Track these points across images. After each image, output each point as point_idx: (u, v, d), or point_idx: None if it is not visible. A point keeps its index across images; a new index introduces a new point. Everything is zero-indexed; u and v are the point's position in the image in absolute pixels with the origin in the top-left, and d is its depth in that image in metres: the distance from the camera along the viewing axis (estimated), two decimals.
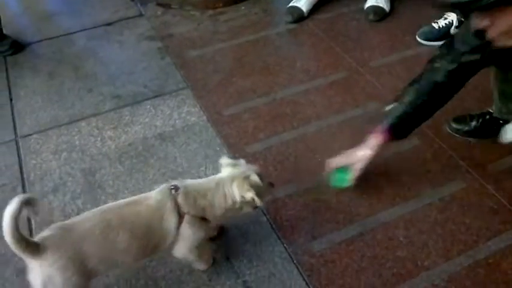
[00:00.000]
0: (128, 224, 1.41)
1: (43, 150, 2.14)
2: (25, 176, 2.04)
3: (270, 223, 1.80)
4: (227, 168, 1.57)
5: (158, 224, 1.43)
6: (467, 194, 1.88)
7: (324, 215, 1.83)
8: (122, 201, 1.50)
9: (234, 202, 1.50)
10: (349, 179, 1.80)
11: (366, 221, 1.81)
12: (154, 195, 1.47)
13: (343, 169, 1.82)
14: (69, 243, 1.34)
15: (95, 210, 1.46)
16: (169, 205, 1.43)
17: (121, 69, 2.61)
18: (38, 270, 1.32)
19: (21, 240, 1.25)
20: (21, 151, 2.15)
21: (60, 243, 1.33)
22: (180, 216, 1.44)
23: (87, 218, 1.42)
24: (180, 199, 1.45)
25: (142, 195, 1.50)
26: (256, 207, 1.56)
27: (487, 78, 2.33)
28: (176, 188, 1.46)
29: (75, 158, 2.10)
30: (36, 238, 1.33)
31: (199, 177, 1.96)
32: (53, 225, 1.39)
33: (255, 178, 1.51)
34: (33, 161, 2.10)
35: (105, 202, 1.89)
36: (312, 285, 1.61)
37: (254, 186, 1.49)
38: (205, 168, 2.02)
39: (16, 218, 1.23)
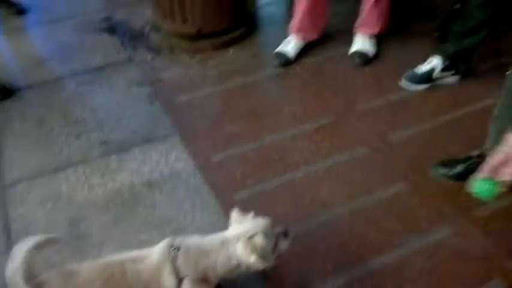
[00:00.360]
0: (128, 282, 1.40)
1: (29, 199, 2.13)
2: (10, 225, 2.02)
3: (257, 272, 1.78)
4: (235, 224, 1.55)
5: (156, 285, 1.42)
6: (455, 240, 1.88)
7: (312, 263, 1.83)
8: (124, 255, 1.49)
9: (240, 263, 1.47)
10: (497, 189, 1.58)
11: (354, 269, 1.80)
12: (155, 254, 1.46)
13: (489, 179, 1.59)
14: None
15: (98, 261, 1.47)
16: (168, 267, 1.42)
17: (110, 114, 2.62)
18: None
19: (30, 279, 1.29)
20: (7, 200, 2.13)
21: None
22: (180, 279, 1.42)
23: (90, 269, 1.42)
24: (179, 261, 1.43)
25: (145, 251, 1.49)
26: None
27: (472, 123, 2.38)
28: (177, 248, 1.45)
29: (61, 207, 2.09)
30: (39, 279, 1.34)
31: (186, 226, 1.97)
32: (57, 270, 1.41)
33: (258, 240, 1.46)
34: (19, 210, 2.08)
35: (91, 253, 1.88)
36: None
37: (258, 248, 1.45)
38: (192, 216, 2.01)
39: (30, 258, 1.29)
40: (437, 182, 2.12)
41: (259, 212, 1.99)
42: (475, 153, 2.10)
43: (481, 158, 2.07)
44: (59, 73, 2.99)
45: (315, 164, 2.25)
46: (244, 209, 1.98)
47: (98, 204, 2.09)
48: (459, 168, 2.10)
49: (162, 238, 1.87)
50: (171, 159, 2.30)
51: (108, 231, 1.97)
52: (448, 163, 2.14)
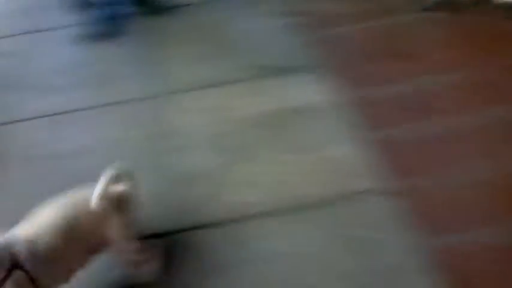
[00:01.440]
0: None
1: (180, 109, 2.32)
2: (158, 129, 2.22)
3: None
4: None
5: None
6: None
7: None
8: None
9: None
10: None
11: None
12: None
13: None
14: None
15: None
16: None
17: (257, 42, 2.71)
18: None
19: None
20: (164, 106, 2.34)
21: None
22: None
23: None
24: None
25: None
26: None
27: None
28: None
29: (207, 121, 2.25)
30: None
31: (323, 156, 2.01)
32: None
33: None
34: (170, 117, 2.28)
35: (231, 165, 2.02)
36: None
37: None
38: (330, 148, 2.04)
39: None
40: None
41: (400, 155, 1.95)
42: None
43: None
44: None
45: (463, 117, 2.12)
46: (384, 148, 1.98)
47: (241, 123, 2.22)
48: None
49: (299, 163, 1.97)
50: (313, 90, 2.33)
51: (252, 148, 2.09)
52: None
